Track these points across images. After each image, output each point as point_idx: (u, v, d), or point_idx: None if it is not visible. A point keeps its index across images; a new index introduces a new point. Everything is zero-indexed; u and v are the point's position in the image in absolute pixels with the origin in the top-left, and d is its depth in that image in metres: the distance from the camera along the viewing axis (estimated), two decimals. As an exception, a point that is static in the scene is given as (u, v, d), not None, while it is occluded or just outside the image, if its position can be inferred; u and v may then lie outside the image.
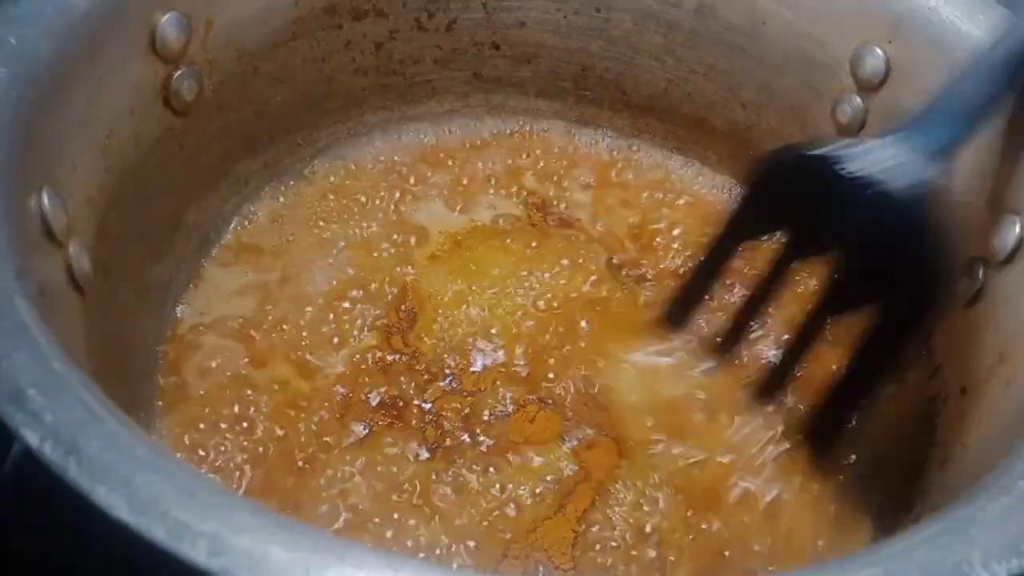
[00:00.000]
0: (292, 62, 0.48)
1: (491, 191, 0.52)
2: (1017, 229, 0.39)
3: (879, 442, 0.44)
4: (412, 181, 0.52)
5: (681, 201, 0.53)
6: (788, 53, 0.49)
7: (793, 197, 0.41)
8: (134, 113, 0.41)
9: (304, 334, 0.45)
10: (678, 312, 0.46)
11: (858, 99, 0.47)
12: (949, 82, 0.39)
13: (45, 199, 0.34)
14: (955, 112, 0.39)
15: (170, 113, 0.44)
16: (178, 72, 0.43)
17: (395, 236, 0.50)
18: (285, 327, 0.45)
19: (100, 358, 0.37)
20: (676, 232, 0.51)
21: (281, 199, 0.51)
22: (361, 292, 0.47)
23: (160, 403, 0.42)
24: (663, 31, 0.51)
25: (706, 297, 0.46)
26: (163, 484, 0.24)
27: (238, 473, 0.40)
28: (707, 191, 0.53)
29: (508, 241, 0.50)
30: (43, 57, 0.36)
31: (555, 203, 0.52)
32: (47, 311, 0.32)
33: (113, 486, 0.24)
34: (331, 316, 0.46)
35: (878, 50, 0.45)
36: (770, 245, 0.44)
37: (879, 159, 0.38)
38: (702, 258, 0.45)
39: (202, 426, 0.41)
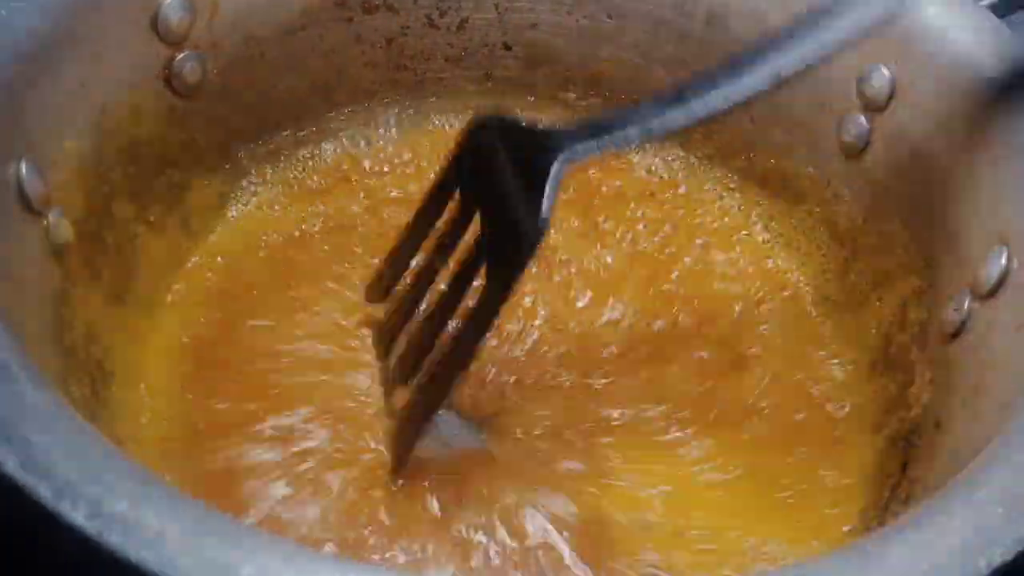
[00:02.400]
0: (301, 51, 0.49)
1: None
2: (1003, 260, 0.38)
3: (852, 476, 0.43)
4: (417, 176, 0.53)
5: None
6: (798, 69, 0.48)
7: (481, 156, 0.40)
8: (132, 91, 0.43)
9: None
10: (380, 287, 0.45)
11: (863, 119, 0.46)
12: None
13: (23, 169, 0.36)
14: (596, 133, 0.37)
15: (171, 94, 0.45)
16: (181, 54, 0.44)
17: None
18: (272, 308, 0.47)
19: (77, 323, 0.39)
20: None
21: (283, 186, 0.52)
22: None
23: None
24: (674, 41, 0.51)
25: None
26: (57, 445, 0.25)
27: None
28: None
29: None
30: (34, 31, 0.37)
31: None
32: (10, 279, 0.34)
33: (9, 443, 0.25)
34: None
35: (884, 70, 0.44)
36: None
37: (540, 140, 0.38)
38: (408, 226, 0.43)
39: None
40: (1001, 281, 0.38)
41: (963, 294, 0.40)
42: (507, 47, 0.53)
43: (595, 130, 0.37)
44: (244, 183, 0.50)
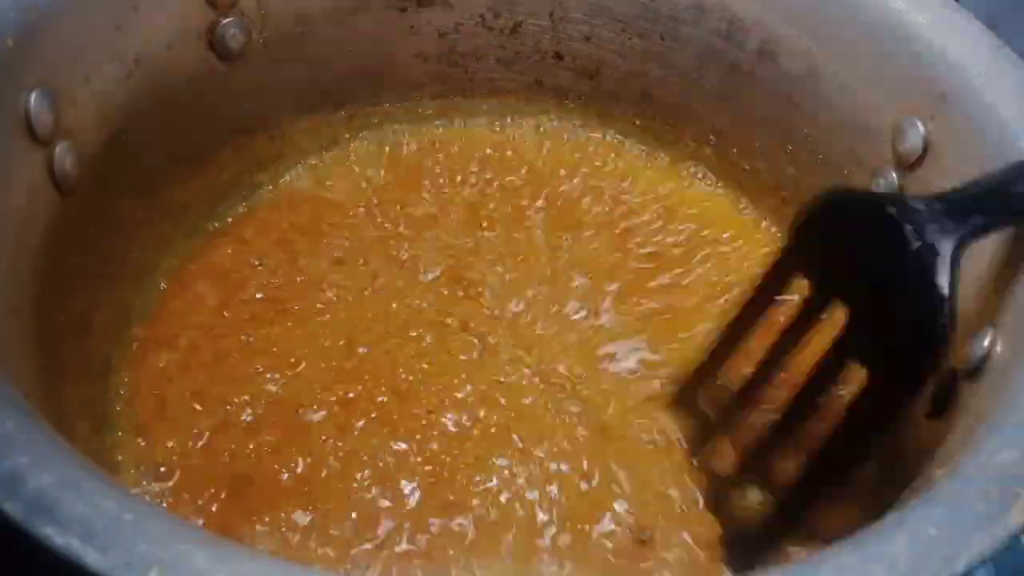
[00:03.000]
0: (352, 34, 0.51)
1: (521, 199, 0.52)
2: (986, 342, 0.34)
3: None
4: (446, 176, 0.53)
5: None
6: (840, 114, 0.45)
7: (833, 238, 0.37)
8: (171, 48, 0.45)
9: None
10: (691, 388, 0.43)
11: (894, 174, 0.43)
12: (1001, 172, 0.35)
13: (33, 99, 0.38)
14: (996, 201, 0.35)
15: (214, 56, 0.47)
16: (226, 19, 0.46)
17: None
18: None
19: (76, 251, 0.41)
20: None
21: (324, 160, 0.53)
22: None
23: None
24: (724, 70, 0.49)
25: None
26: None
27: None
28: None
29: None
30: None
31: (576, 227, 0.51)
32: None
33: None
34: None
35: (919, 125, 0.41)
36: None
37: (919, 216, 0.34)
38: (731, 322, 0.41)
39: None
40: (980, 364, 0.35)
41: (949, 374, 0.36)
42: (559, 56, 0.53)
43: (987, 201, 0.34)
44: (283, 151, 0.52)
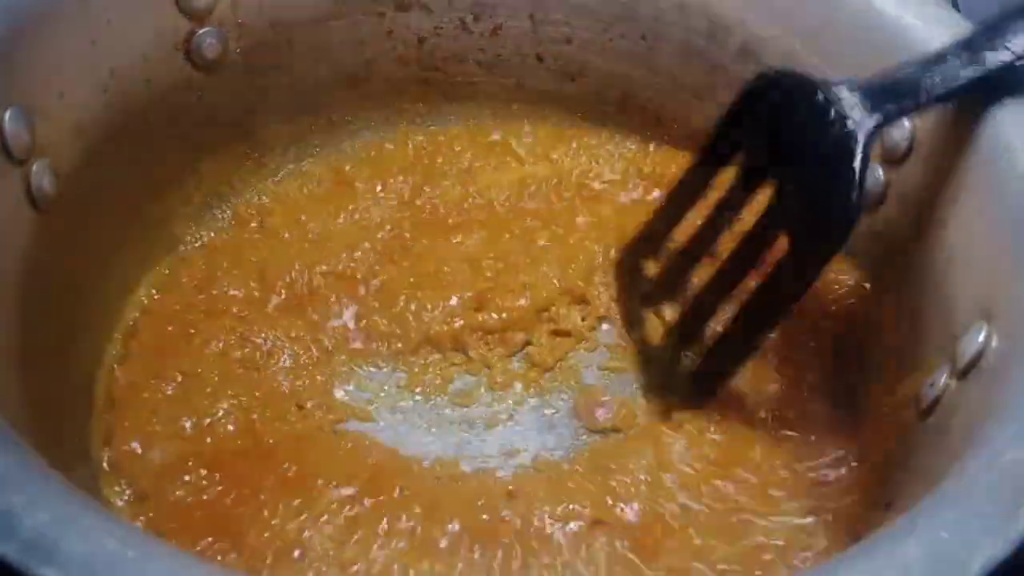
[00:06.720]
0: (330, 41, 0.50)
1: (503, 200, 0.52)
2: (981, 337, 0.34)
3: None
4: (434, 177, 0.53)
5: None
6: (825, 111, 0.45)
7: (765, 117, 0.41)
8: (147, 60, 0.44)
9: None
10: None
11: (880, 170, 0.43)
12: (910, 64, 0.38)
13: (7, 117, 0.37)
14: (916, 89, 0.37)
15: (190, 67, 0.46)
16: (202, 29, 0.46)
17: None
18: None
19: (55, 271, 0.40)
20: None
21: (305, 169, 0.52)
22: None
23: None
24: (706, 69, 0.49)
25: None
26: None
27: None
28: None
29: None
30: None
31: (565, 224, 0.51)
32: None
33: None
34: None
35: (905, 120, 0.41)
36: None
37: (843, 102, 0.38)
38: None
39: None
40: (976, 360, 0.34)
41: (941, 370, 0.36)
42: (540, 58, 0.52)
43: (898, 89, 0.37)
44: (263, 160, 0.51)
